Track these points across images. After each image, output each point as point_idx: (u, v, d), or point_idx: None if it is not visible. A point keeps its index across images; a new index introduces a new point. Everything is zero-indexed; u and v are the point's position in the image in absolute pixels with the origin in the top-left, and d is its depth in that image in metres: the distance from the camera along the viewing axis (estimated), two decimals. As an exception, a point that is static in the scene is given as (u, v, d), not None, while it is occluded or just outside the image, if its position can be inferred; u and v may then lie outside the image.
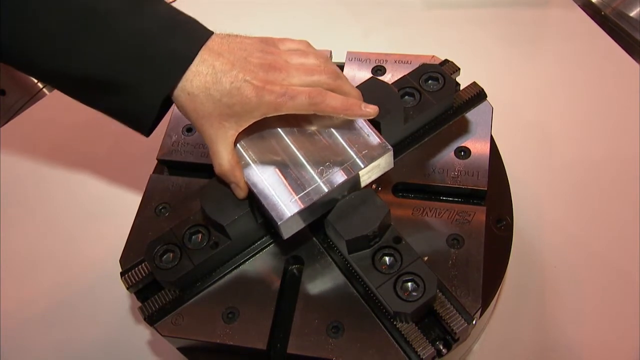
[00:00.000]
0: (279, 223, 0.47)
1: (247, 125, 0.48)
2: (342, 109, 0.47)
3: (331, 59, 0.66)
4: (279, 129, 0.51)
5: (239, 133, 0.48)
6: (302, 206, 0.47)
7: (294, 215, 0.47)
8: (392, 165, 0.51)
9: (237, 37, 0.48)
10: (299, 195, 0.47)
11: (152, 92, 0.46)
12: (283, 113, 0.46)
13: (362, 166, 0.48)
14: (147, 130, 0.50)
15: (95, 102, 0.50)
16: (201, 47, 0.46)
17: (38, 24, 0.44)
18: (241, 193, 0.50)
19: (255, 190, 0.48)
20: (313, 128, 0.50)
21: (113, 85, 0.46)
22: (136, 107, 0.48)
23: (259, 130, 0.51)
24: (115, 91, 0.46)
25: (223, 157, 0.48)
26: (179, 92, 0.46)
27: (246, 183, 0.49)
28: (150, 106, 0.47)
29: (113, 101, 0.48)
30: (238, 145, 0.50)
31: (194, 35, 0.47)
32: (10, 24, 0.44)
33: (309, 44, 0.51)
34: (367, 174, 0.49)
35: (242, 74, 0.45)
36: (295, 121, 0.51)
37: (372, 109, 0.48)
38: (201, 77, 0.45)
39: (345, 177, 0.48)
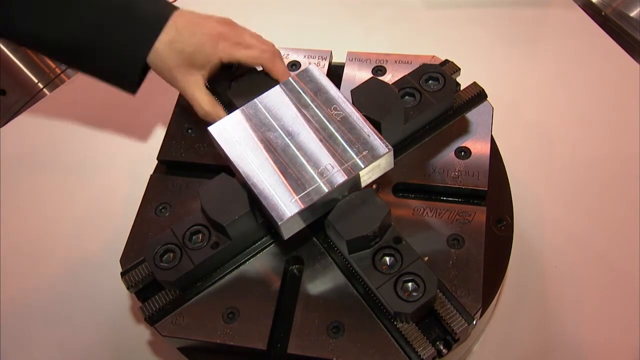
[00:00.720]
0: (279, 223, 0.47)
1: (212, 71, 0.56)
2: (282, 73, 0.57)
3: (331, 60, 0.66)
4: (279, 129, 0.51)
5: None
6: (303, 206, 0.47)
7: (294, 215, 0.47)
8: (392, 166, 0.51)
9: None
10: (299, 196, 0.47)
11: (132, 52, 0.53)
12: (235, 60, 0.55)
13: (363, 166, 0.48)
14: (133, 89, 0.57)
15: (80, 65, 0.57)
16: (172, 11, 0.54)
17: None
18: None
19: (255, 191, 0.48)
20: (313, 129, 0.50)
21: (96, 49, 0.53)
22: (119, 70, 0.55)
23: (259, 130, 0.51)
24: (100, 54, 0.54)
25: (201, 99, 0.56)
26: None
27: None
28: (132, 67, 0.54)
29: (97, 65, 0.55)
30: (238, 145, 0.50)
31: (163, 3, 0.55)
32: None
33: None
34: (368, 174, 0.49)
35: (200, 28, 0.53)
36: (295, 122, 0.51)
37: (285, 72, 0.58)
38: (164, 35, 0.53)
39: (346, 177, 0.48)
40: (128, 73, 0.55)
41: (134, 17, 0.53)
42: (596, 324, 0.61)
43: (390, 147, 0.49)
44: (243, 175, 0.49)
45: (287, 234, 0.49)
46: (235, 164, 0.50)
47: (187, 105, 0.60)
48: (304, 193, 0.48)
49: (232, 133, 0.51)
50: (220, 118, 0.52)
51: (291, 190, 0.48)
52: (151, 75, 0.58)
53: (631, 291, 0.63)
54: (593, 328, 0.61)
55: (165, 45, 0.53)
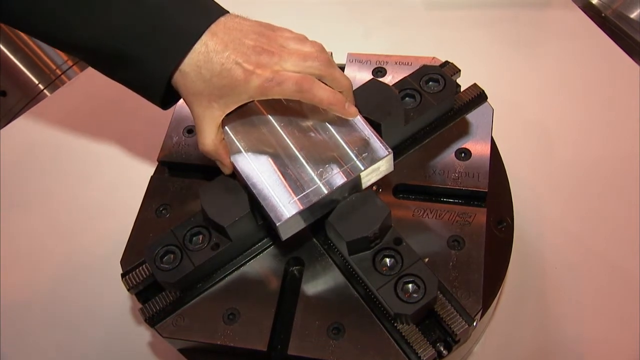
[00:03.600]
0: (277, 224, 0.47)
1: (235, 108, 0.48)
2: (327, 102, 0.47)
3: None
4: (280, 130, 0.51)
5: (228, 116, 0.49)
6: (301, 207, 0.47)
7: (292, 216, 0.47)
8: (392, 169, 0.51)
9: (237, 18, 0.49)
10: (299, 197, 0.47)
11: (158, 67, 0.47)
12: (270, 97, 0.47)
13: (362, 168, 0.48)
14: (160, 103, 0.50)
15: (110, 72, 0.51)
16: (208, 26, 0.46)
17: None
18: (226, 170, 0.51)
19: (254, 191, 0.48)
20: (314, 129, 0.50)
21: (123, 57, 0.47)
22: (146, 81, 0.49)
23: (259, 130, 0.51)
24: (126, 63, 0.48)
25: (207, 135, 0.49)
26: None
27: (232, 163, 0.50)
28: (158, 80, 0.47)
29: (125, 72, 0.49)
30: (238, 145, 0.50)
31: (201, 14, 0.47)
32: None
33: (305, 36, 0.51)
34: (367, 177, 0.49)
35: (234, 55, 0.45)
36: (296, 122, 0.51)
37: (353, 111, 0.49)
38: (194, 55, 0.45)
39: (345, 179, 0.48)
40: (155, 88, 0.49)
41: (164, 28, 0.46)
42: (596, 325, 0.61)
43: (390, 150, 0.49)
44: (242, 175, 0.49)
45: (285, 234, 0.49)
46: (235, 164, 0.50)
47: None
48: (303, 194, 0.48)
49: (231, 134, 0.51)
50: (218, 159, 0.50)
51: (290, 191, 0.48)
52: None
53: (632, 292, 0.63)
54: (593, 329, 0.61)
55: (192, 69, 0.46)
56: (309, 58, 0.47)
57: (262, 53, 0.46)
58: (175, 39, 0.46)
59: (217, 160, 0.51)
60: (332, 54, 0.66)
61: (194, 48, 0.45)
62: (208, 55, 0.45)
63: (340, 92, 0.49)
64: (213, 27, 0.46)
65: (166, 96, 0.50)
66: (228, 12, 0.48)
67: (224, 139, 0.50)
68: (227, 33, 0.46)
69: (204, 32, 0.46)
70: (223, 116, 0.49)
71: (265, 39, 0.47)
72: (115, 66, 0.49)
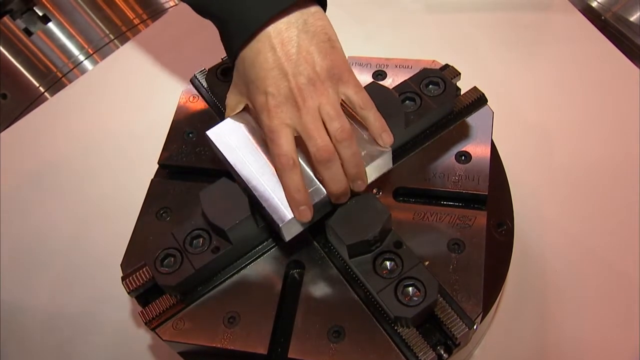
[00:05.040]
0: (280, 225, 0.47)
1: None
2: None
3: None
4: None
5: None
6: (303, 209, 0.47)
7: (295, 217, 0.47)
8: (391, 165, 0.51)
9: (307, 35, 0.47)
10: (300, 199, 0.47)
11: (241, 27, 0.47)
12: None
13: (362, 167, 0.48)
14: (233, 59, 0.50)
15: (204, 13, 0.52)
16: (273, 14, 0.46)
17: None
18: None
19: (255, 194, 0.48)
20: None
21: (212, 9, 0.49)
22: (228, 36, 0.49)
23: (258, 132, 0.51)
24: (214, 14, 0.49)
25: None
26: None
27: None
28: (238, 40, 0.48)
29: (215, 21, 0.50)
30: (238, 147, 0.51)
31: None
32: None
33: (367, 99, 0.49)
34: (367, 175, 0.49)
35: (270, 81, 0.46)
36: None
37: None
38: (255, 53, 0.46)
39: (345, 179, 0.48)
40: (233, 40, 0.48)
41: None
42: (597, 327, 0.61)
43: (388, 147, 0.49)
44: (242, 178, 0.49)
45: (288, 236, 0.49)
46: (234, 167, 0.50)
47: (188, 109, 0.60)
48: (304, 196, 0.48)
49: (230, 136, 0.51)
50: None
51: (292, 194, 0.48)
52: (150, 79, 0.58)
53: (632, 293, 0.63)
54: (594, 332, 0.61)
55: (245, 65, 0.48)
56: (335, 133, 0.46)
57: (288, 101, 0.46)
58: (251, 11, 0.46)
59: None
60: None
61: (259, 46, 0.46)
62: (255, 61, 0.47)
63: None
64: (283, 32, 0.46)
65: None
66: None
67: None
68: (286, 53, 0.46)
69: (266, 19, 0.46)
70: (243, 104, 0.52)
71: (306, 81, 0.46)
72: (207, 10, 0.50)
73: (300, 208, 0.47)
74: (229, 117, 0.53)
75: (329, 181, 0.47)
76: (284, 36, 0.46)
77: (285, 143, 0.46)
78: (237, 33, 0.47)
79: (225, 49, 0.50)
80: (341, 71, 0.48)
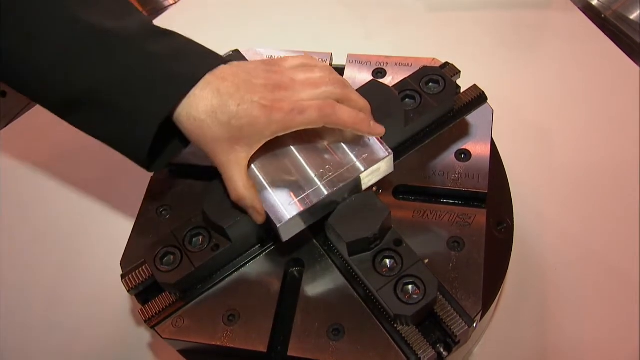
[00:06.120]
0: (277, 225, 0.47)
1: (259, 147, 0.46)
2: (352, 122, 0.46)
3: (331, 62, 0.66)
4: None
5: (252, 156, 0.47)
6: (301, 209, 0.47)
7: (293, 217, 0.47)
8: (392, 169, 0.51)
9: (240, 63, 0.47)
10: (299, 198, 0.48)
11: (149, 114, 0.44)
12: (294, 130, 0.45)
13: (362, 169, 0.48)
14: (145, 161, 0.47)
15: (92, 125, 0.49)
16: (205, 73, 0.45)
17: (44, 40, 0.44)
18: (259, 218, 0.48)
19: (255, 193, 0.48)
20: (313, 130, 0.50)
21: (111, 104, 0.45)
22: (134, 131, 0.45)
23: None
24: (113, 111, 0.45)
25: (238, 180, 0.47)
26: (185, 117, 0.45)
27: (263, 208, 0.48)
28: (146, 130, 0.45)
29: (110, 123, 0.47)
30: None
31: (200, 63, 0.46)
32: (17, 40, 0.45)
33: (310, 57, 0.50)
34: (367, 178, 0.49)
35: (249, 95, 0.44)
36: None
37: (380, 129, 0.48)
38: (206, 101, 0.44)
39: (345, 180, 0.48)
40: (140, 138, 0.45)
41: (161, 75, 0.44)
42: (597, 326, 0.61)
43: (390, 151, 0.49)
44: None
45: (285, 236, 0.49)
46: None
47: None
48: (303, 195, 0.48)
49: None
50: (251, 206, 0.47)
51: (290, 193, 0.48)
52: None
53: (631, 292, 0.63)
54: (593, 330, 0.61)
55: (208, 115, 0.44)
56: (321, 84, 0.46)
57: (276, 89, 0.45)
58: (169, 85, 0.44)
59: (250, 207, 0.47)
60: (331, 55, 0.66)
61: (203, 95, 0.44)
62: (221, 98, 0.44)
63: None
64: (219, 72, 0.45)
65: (153, 152, 0.47)
66: (229, 60, 0.47)
67: (253, 184, 0.48)
68: (236, 76, 0.45)
69: (200, 78, 0.44)
70: (248, 158, 0.47)
71: (273, 74, 0.46)
72: (100, 116, 0.47)
73: (372, 124, 0.48)
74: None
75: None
76: (229, 72, 0.46)
77: (313, 102, 0.45)
78: (163, 98, 0.44)
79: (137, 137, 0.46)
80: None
